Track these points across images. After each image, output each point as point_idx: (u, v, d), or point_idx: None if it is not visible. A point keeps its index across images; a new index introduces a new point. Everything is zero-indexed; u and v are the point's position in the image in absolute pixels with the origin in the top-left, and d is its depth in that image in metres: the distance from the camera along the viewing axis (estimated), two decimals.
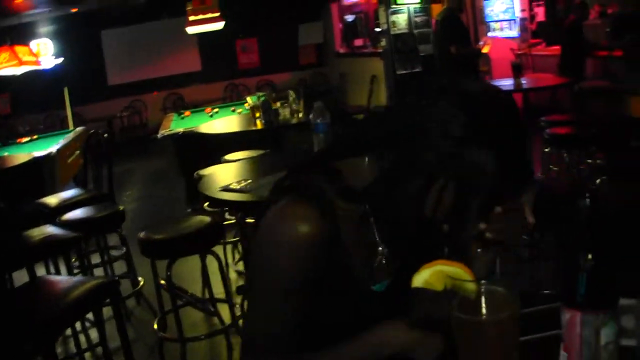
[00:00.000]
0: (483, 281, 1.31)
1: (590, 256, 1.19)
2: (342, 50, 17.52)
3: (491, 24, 15.00)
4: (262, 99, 6.89)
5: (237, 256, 6.50)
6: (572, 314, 1.22)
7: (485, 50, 13.20)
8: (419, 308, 1.57)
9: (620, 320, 1.25)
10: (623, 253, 1.30)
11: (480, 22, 15.28)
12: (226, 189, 4.05)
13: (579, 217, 1.20)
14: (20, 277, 4.34)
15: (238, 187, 3.98)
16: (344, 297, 1.77)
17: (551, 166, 7.44)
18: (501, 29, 14.78)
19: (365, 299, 1.78)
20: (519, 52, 13.54)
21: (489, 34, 14.79)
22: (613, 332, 1.22)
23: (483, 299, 1.30)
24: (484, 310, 1.30)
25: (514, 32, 14.42)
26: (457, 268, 1.34)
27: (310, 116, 4.39)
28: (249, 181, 4.10)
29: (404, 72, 11.75)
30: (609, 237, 1.25)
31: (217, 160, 5.97)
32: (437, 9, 15.03)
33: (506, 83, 8.69)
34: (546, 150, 7.24)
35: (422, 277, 1.36)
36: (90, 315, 5.04)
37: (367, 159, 1.73)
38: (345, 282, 1.75)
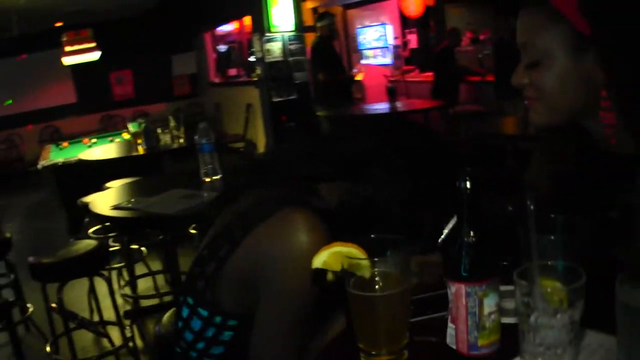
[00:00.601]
0: (376, 260, 1.46)
1: (472, 233, 1.37)
2: (216, 80, 17.55)
3: (364, 51, 15.26)
4: (143, 125, 6.98)
5: (122, 282, 6.51)
6: (457, 287, 1.38)
7: (359, 77, 13.49)
8: None
9: (502, 302, 1.43)
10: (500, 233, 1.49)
11: (353, 50, 15.56)
12: (117, 207, 4.06)
13: (461, 199, 1.38)
14: None
15: (129, 205, 4.01)
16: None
17: None
18: (374, 57, 15.04)
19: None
20: (393, 79, 13.54)
21: (363, 62, 15.06)
22: (495, 302, 1.37)
23: (376, 278, 1.46)
24: (376, 288, 1.46)
25: (387, 60, 14.67)
26: (353, 248, 1.47)
27: (195, 137, 4.50)
28: (138, 199, 4.15)
29: (280, 99, 11.82)
30: (487, 216, 1.44)
31: (99, 188, 5.94)
32: (310, 37, 15.35)
33: (381, 107, 8.93)
34: None
35: (321, 259, 1.49)
36: None
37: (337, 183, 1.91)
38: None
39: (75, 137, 12.84)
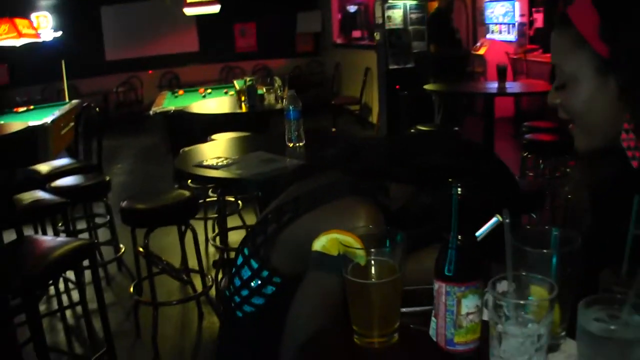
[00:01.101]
0: (372, 250, 1.58)
1: (459, 237, 1.47)
2: (339, 41, 17.59)
3: (490, 26, 15.05)
4: (249, 83, 7.08)
5: (216, 232, 6.71)
6: (439, 285, 1.48)
7: (481, 52, 13.36)
8: None
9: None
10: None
11: (480, 24, 15.35)
12: (199, 165, 4.18)
13: (451, 204, 1.48)
14: (9, 236, 4.60)
15: (211, 163, 4.12)
16: None
17: (527, 171, 7.58)
18: (500, 32, 14.82)
19: None
20: (514, 57, 13.50)
21: (488, 36, 14.88)
22: (473, 304, 1.44)
23: (370, 266, 1.58)
24: (370, 275, 1.58)
25: (512, 37, 14.43)
26: (350, 237, 1.59)
27: (284, 103, 4.63)
28: (225, 159, 4.25)
29: (397, 67, 11.73)
30: (475, 223, 1.54)
31: (205, 139, 6.14)
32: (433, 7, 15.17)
33: (492, 86, 8.83)
34: (524, 154, 7.37)
35: (321, 243, 1.63)
36: (73, 277, 5.29)
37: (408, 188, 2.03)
38: None
39: (193, 86, 13.13)
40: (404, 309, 1.64)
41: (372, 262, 1.58)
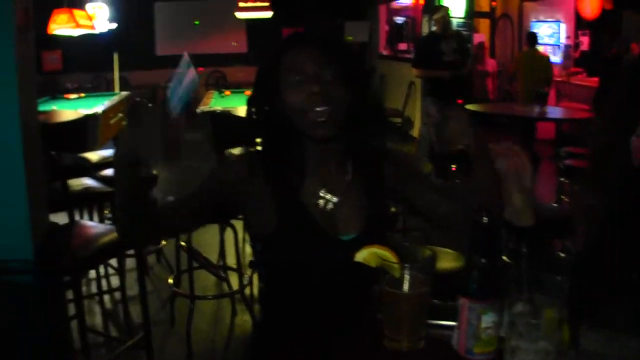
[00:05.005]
0: (406, 265, 1.79)
1: (483, 259, 1.66)
2: (385, 52, 17.62)
3: (536, 46, 14.94)
4: None
5: None
6: (463, 301, 1.68)
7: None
8: None
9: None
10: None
11: (525, 44, 15.29)
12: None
13: (476, 229, 1.66)
14: (59, 219, 4.80)
15: None
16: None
17: (562, 196, 7.57)
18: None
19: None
20: (559, 79, 13.47)
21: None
22: (492, 320, 1.65)
23: (404, 279, 1.79)
24: (403, 287, 1.79)
25: (557, 58, 14.36)
26: (387, 252, 1.81)
27: None
28: None
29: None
30: (498, 247, 1.73)
31: (248, 142, 6.26)
32: (484, 23, 15.13)
33: (533, 110, 8.80)
34: (561, 179, 7.43)
35: (362, 255, 1.84)
36: (114, 263, 5.53)
37: None
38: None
39: (240, 86, 13.25)
40: (431, 321, 1.85)
41: (406, 275, 1.78)
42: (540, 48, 13.74)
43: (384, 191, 2.29)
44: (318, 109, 2.10)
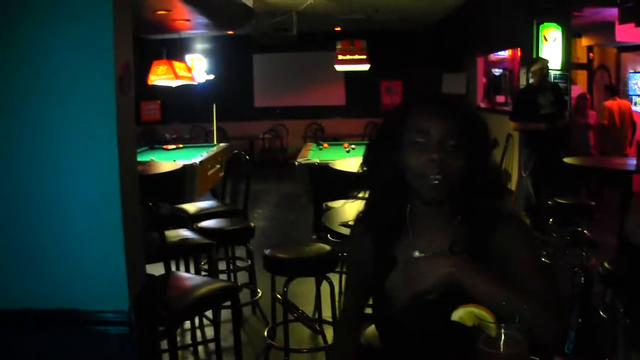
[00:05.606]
0: (502, 324, 1.74)
1: (580, 320, 1.63)
2: (482, 105, 17.44)
3: (634, 97, 14.68)
4: None
5: None
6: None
7: None
8: None
9: None
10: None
11: (623, 95, 14.99)
12: (345, 224, 4.32)
13: (573, 290, 1.64)
14: (156, 270, 4.86)
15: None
16: None
17: None
18: None
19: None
20: None
21: (633, 108, 14.51)
22: None
23: (500, 338, 1.74)
24: (500, 346, 1.74)
25: None
26: (484, 312, 1.76)
27: None
28: None
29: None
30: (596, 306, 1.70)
31: (347, 195, 6.24)
32: (581, 75, 14.92)
33: (630, 162, 8.64)
34: None
35: (458, 314, 1.81)
36: (209, 315, 5.57)
37: None
38: None
39: (338, 138, 13.42)
40: None
41: (502, 334, 1.74)
42: (639, 99, 13.53)
43: (486, 253, 2.23)
44: (432, 176, 2.08)
